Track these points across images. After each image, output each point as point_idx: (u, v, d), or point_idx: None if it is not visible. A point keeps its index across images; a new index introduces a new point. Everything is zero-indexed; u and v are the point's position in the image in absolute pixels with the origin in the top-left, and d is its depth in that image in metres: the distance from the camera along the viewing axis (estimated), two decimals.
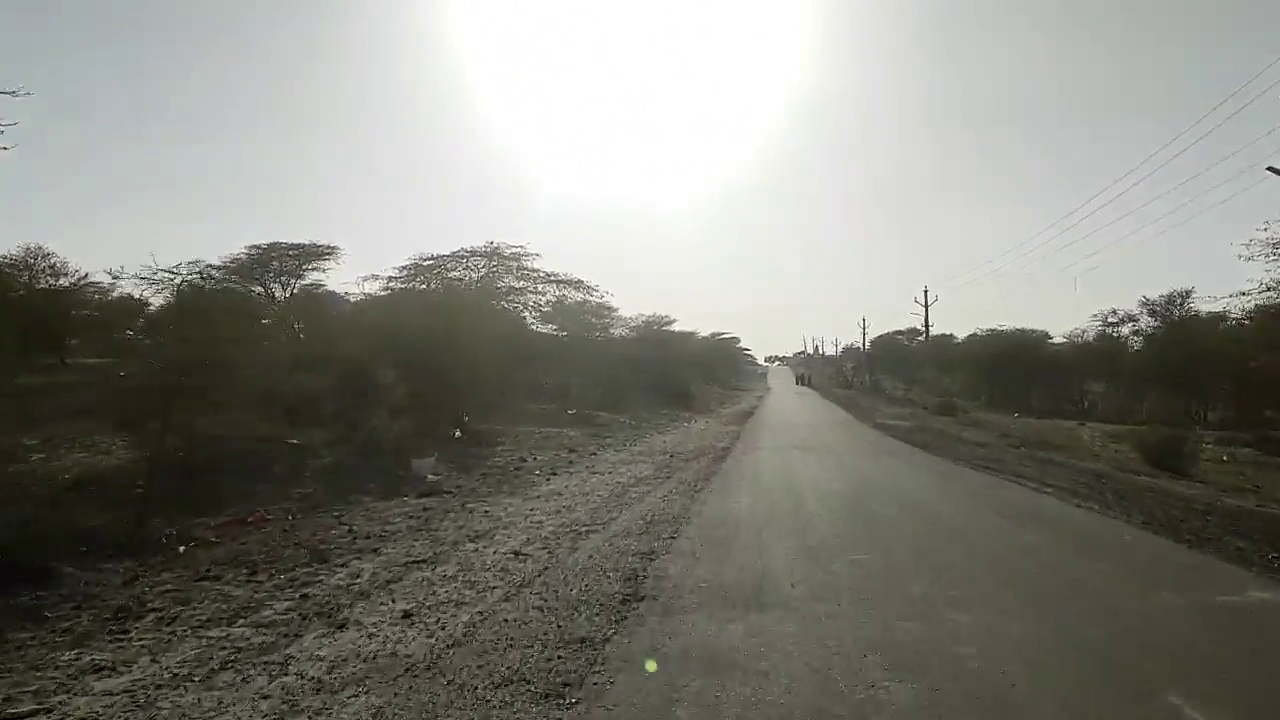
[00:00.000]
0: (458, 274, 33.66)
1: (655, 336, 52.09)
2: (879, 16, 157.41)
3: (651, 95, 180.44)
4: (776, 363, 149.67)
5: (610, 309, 50.87)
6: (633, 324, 51.30)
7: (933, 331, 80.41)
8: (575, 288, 35.35)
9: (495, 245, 34.13)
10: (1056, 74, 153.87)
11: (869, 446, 21.76)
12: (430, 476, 15.18)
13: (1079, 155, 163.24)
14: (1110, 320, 47.99)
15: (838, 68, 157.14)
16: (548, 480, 14.87)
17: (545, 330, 47.01)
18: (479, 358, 22.47)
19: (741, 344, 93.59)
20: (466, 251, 33.73)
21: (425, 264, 33.07)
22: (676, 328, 57.71)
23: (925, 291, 42.74)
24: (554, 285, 35.23)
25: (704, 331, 72.79)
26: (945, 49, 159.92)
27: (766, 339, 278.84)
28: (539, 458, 18.40)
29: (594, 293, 35.69)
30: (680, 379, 45.25)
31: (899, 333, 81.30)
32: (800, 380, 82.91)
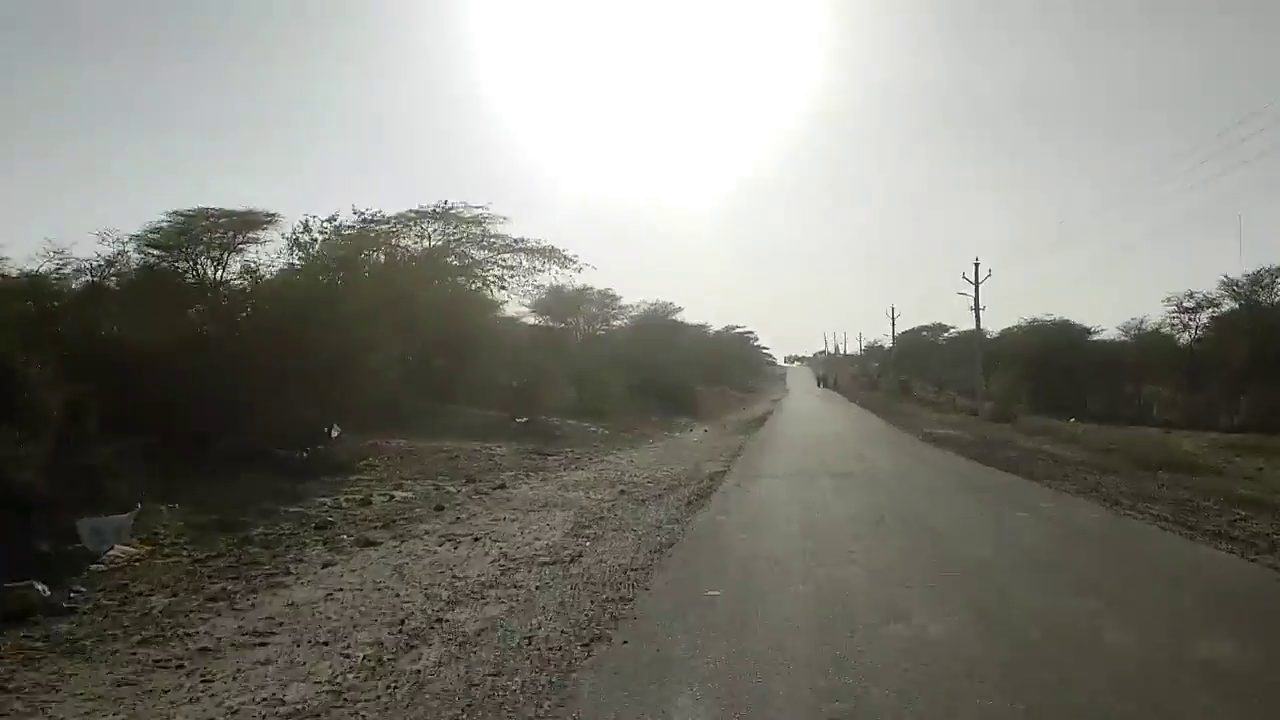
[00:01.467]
0: (409, 242, 26.34)
1: (659, 328, 44.22)
2: (901, 16, 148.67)
3: (672, 95, 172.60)
4: (797, 363, 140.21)
5: (614, 298, 43.49)
6: (634, 313, 43.51)
7: (965, 325, 71.42)
8: (548, 257, 27.57)
9: (450, 205, 26.61)
10: (1080, 73, 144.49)
11: (940, 475, 13.77)
12: (118, 548, 7.50)
13: (1103, 155, 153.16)
14: (1185, 305, 39.35)
15: (859, 66, 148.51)
16: (315, 573, 6.95)
17: (539, 321, 39.97)
18: (368, 345, 14.83)
19: (759, 342, 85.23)
20: (414, 213, 26.20)
21: (359, 227, 25.55)
22: (684, 318, 49.77)
23: (976, 266, 33.98)
24: (523, 255, 27.59)
25: (717, 325, 64.55)
26: (968, 47, 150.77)
27: (786, 339, 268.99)
28: (397, 497, 10.62)
29: (571, 264, 27.86)
30: (683, 378, 37.27)
31: (924, 329, 72.59)
32: (822, 381, 74.40)
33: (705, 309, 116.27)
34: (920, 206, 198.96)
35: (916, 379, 69.16)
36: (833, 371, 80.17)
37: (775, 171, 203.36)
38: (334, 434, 14.62)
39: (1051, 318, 49.19)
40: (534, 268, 27.54)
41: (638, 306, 44.32)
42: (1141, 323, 46.27)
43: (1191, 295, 38.86)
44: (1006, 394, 35.27)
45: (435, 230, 26.39)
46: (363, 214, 24.86)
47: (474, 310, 26.16)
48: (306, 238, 17.46)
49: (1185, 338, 42.65)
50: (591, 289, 42.80)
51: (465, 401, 22.60)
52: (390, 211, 24.83)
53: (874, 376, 76.25)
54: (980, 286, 32.67)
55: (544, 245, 27.62)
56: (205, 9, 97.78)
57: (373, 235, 25.02)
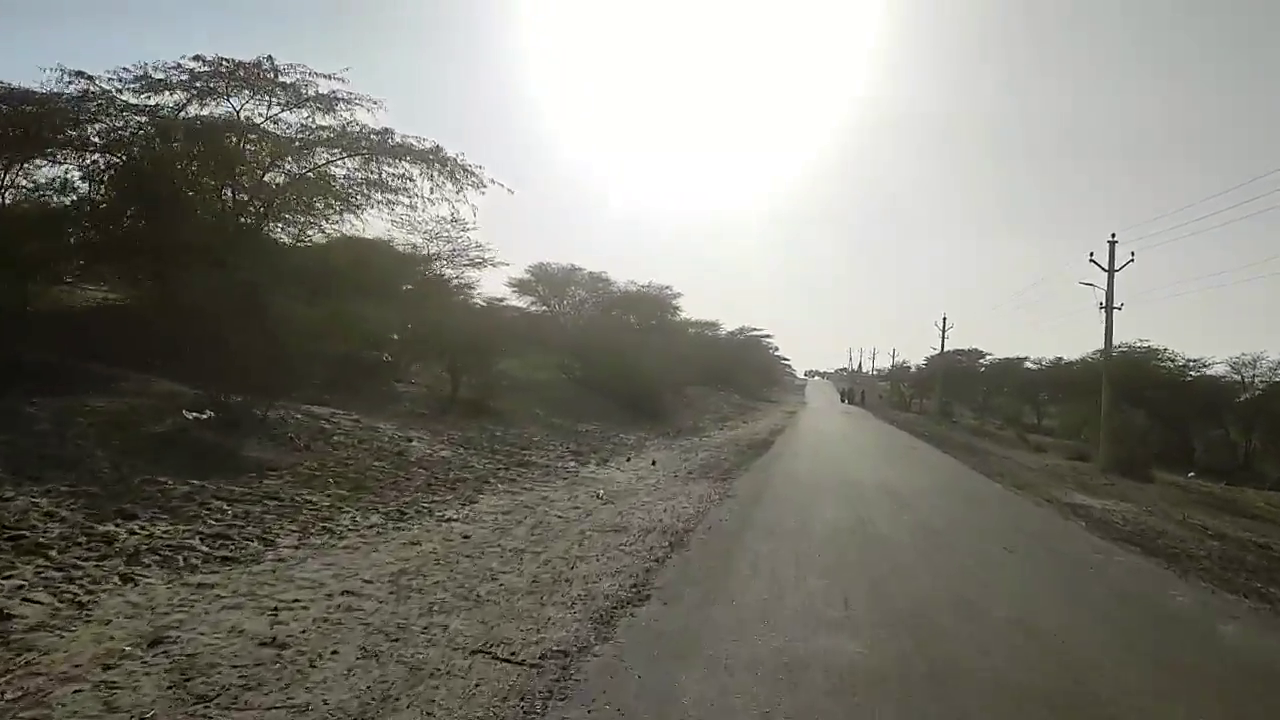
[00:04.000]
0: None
1: (643, 308, 32.34)
2: (949, 38, 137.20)
3: (715, 106, 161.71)
4: (817, 377, 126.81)
5: (606, 281, 32.00)
6: (619, 295, 31.58)
7: (1004, 352, 59.25)
8: (432, 164, 15.75)
9: (274, 66, 15.46)
10: (1124, 110, 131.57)
11: None
12: None
13: (1142, 193, 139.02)
14: None
15: (905, 85, 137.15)
16: None
17: (521, 304, 29.23)
18: None
19: (778, 351, 72.08)
20: (205, 65, 14.82)
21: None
22: (685, 309, 37.92)
23: (1111, 245, 20.51)
24: (387, 159, 16.01)
25: (730, 325, 52.01)
26: (1015, 77, 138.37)
27: (808, 353, 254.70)
28: None
29: (470, 176, 15.95)
30: (662, 376, 25.07)
31: (959, 353, 60.09)
32: (847, 396, 61.41)
33: (726, 315, 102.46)
34: (955, 235, 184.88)
35: (955, 404, 57.15)
36: (858, 387, 67.26)
37: (811, 188, 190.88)
38: None
39: (1145, 344, 36.50)
40: (404, 175, 15.71)
41: (626, 286, 32.57)
42: (1258, 359, 34.12)
43: None
44: (1129, 439, 22.68)
45: (250, 106, 15.00)
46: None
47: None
48: None
49: None
50: (582, 270, 31.46)
51: (206, 369, 10.88)
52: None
53: (907, 397, 63.77)
54: (1114, 276, 19.91)
55: (429, 147, 15.77)
56: None
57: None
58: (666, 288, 33.92)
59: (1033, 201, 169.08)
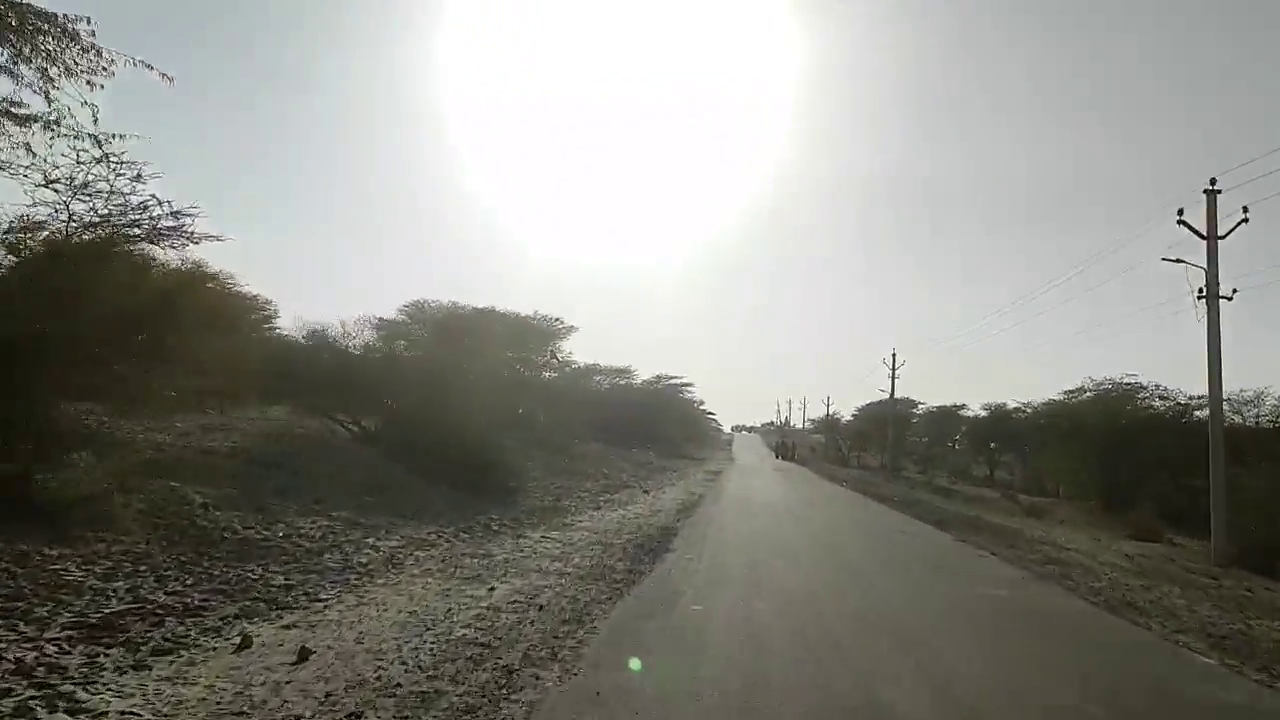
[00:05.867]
0: None
1: (530, 342, 23.99)
2: (870, 105, 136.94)
3: (642, 158, 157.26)
4: (744, 431, 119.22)
5: (500, 314, 23.56)
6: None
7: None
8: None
9: None
10: (1032, 166, 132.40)
11: None
12: None
13: (1046, 251, 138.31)
14: None
15: (826, 149, 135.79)
16: None
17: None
18: None
19: (704, 405, 63.58)
20: None
21: None
22: (574, 343, 29.57)
23: (1212, 196, 12.26)
24: None
25: (645, 373, 43.42)
26: (932, 140, 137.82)
27: (736, 407, 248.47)
28: None
29: (63, 40, 7.44)
30: (494, 440, 16.56)
31: (896, 402, 53.09)
32: (780, 452, 53.42)
33: (649, 369, 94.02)
34: (890, 286, 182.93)
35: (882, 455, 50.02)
36: (789, 441, 59.67)
37: (739, 241, 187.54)
38: None
39: (1133, 379, 28.86)
40: None
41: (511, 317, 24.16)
42: (1260, 396, 27.13)
43: None
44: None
45: None
46: None
47: None
48: None
49: None
50: (465, 307, 23.02)
51: None
52: None
53: (843, 451, 56.49)
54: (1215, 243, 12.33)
55: None
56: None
57: None
58: (558, 319, 25.45)
59: (962, 254, 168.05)
